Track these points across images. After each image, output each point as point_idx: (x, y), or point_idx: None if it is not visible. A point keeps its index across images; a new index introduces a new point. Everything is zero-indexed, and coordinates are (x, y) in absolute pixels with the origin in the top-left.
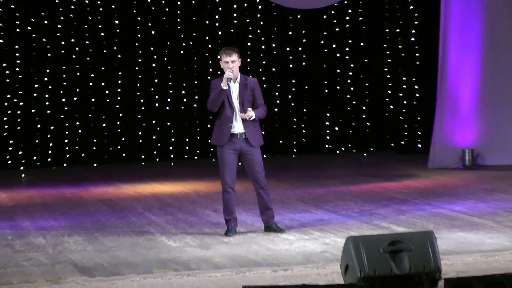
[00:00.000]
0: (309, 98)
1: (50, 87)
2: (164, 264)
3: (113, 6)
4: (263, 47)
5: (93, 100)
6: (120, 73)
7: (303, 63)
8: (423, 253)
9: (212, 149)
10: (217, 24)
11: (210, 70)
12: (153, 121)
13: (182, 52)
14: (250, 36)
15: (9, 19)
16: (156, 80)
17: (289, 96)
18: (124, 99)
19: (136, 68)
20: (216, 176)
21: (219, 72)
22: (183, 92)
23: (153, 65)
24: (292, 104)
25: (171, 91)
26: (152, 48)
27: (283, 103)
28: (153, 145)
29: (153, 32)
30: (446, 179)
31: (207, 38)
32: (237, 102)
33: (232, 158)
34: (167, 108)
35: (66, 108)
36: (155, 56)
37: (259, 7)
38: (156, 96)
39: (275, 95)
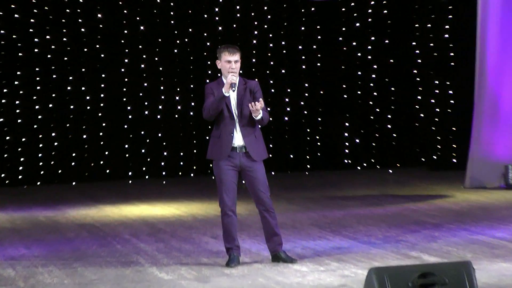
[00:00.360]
0: (325, 105)
1: (21, 92)
2: None
3: None
4: (271, 45)
5: (71, 107)
6: (103, 75)
7: (318, 64)
8: (459, 287)
9: (211, 165)
10: (217, 18)
11: (209, 72)
12: (142, 132)
13: (176, 51)
14: (256, 32)
15: None
16: (145, 84)
17: (302, 103)
18: (108, 106)
19: (122, 70)
20: (216, 196)
21: (219, 75)
22: (177, 98)
23: (142, 66)
24: (305, 112)
25: (163, 97)
26: (140, 47)
27: (294, 110)
28: (142, 160)
29: (142, 28)
30: (486, 200)
31: (205, 34)
32: (235, 107)
33: (231, 176)
34: (159, 116)
35: (40, 117)
36: (144, 56)
37: None
38: (146, 103)
39: (285, 102)
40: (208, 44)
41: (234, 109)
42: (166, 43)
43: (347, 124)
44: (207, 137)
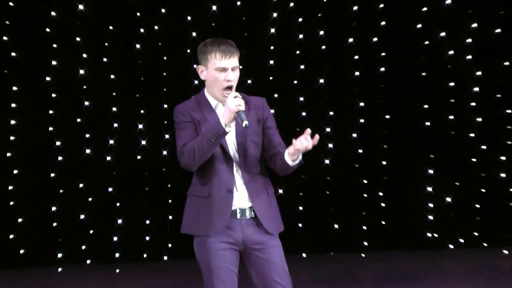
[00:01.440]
0: (393, 138)
1: None
2: None
3: None
4: (300, 36)
5: None
6: (15, 88)
7: (381, 69)
8: None
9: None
10: None
11: (195, 82)
12: (81, 185)
13: (138, 46)
14: (275, 15)
15: None
16: (86, 103)
17: (354, 135)
18: (24, 140)
19: (48, 79)
20: None
21: (204, 92)
22: (141, 126)
23: (81, 72)
24: (360, 151)
25: (116, 125)
26: (79, 39)
27: (341, 148)
28: (81, 232)
29: (81, 7)
30: None
31: (189, 18)
32: (235, 149)
33: (228, 259)
34: (108, 158)
35: None
36: (84, 55)
37: None
38: (87, 135)
39: (325, 133)
40: (194, 34)
41: (234, 150)
42: (121, 33)
43: (431, 171)
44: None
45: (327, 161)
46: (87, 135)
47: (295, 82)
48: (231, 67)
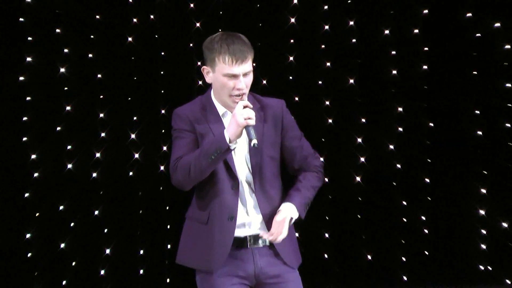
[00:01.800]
0: (438, 153)
1: None
2: None
3: None
4: (326, 27)
5: None
6: None
7: (423, 67)
8: None
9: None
10: None
11: (199, 82)
12: (61, 207)
13: (130, 39)
14: (295, 2)
15: None
16: (68, 108)
17: (390, 146)
18: None
19: (21, 79)
20: None
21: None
22: (133, 136)
23: (62, 70)
24: (398, 166)
25: (103, 135)
26: (59, 31)
27: (375, 163)
28: (60, 265)
29: None
30: None
31: (191, 6)
32: (247, 167)
33: None
34: (94, 175)
35: None
36: (65, 50)
37: None
38: (68, 147)
39: (356, 144)
40: (197, 25)
41: (246, 168)
42: (110, 24)
43: (484, 191)
44: None
45: (358, 178)
46: (69, 147)
47: (320, 82)
48: (243, 73)
